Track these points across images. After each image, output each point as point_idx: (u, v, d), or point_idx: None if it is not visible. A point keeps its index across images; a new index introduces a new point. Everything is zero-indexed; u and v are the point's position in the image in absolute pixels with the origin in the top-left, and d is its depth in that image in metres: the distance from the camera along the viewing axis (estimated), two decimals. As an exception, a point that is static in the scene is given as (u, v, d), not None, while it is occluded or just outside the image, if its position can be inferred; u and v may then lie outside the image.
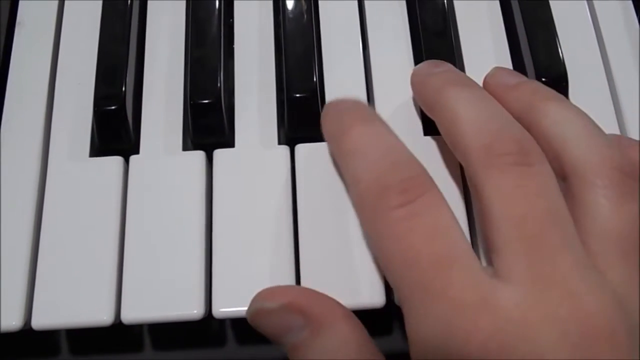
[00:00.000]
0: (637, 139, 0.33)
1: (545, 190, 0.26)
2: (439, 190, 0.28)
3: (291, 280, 0.30)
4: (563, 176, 0.28)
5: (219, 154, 0.33)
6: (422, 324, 0.25)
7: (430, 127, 0.34)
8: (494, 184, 0.27)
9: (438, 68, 0.33)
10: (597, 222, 0.27)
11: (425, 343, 0.25)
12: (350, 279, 0.30)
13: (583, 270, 0.25)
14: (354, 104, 0.32)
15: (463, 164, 0.29)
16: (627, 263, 0.26)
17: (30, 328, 0.30)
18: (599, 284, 0.25)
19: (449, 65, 0.33)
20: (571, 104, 0.31)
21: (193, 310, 0.30)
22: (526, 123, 0.29)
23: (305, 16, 0.36)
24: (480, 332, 0.24)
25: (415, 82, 0.33)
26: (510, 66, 0.36)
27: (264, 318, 0.28)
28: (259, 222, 0.32)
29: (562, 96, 0.31)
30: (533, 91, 0.31)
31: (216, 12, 0.36)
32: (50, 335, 0.34)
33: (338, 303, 0.28)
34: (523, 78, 0.32)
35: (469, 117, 0.28)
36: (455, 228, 0.27)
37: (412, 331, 0.26)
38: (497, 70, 0.33)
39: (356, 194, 0.29)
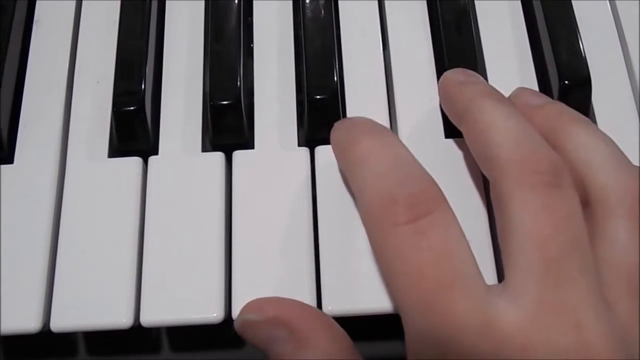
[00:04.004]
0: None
1: (572, 216, 0.26)
2: (448, 206, 0.27)
3: (311, 285, 0.30)
4: (584, 201, 0.28)
5: (238, 155, 0.33)
6: (421, 342, 0.25)
7: (451, 130, 0.34)
8: (523, 200, 0.26)
9: (472, 77, 0.32)
10: (613, 253, 0.27)
11: None
12: (370, 282, 0.30)
13: (593, 301, 0.25)
14: (363, 118, 0.32)
15: (489, 175, 0.28)
16: (636, 298, 0.26)
17: (49, 330, 0.30)
18: (606, 317, 0.25)
19: (481, 77, 0.33)
20: (597, 128, 0.30)
21: (213, 313, 0.30)
22: (550, 145, 0.28)
23: (325, 16, 0.35)
24: (479, 356, 0.24)
25: (445, 88, 0.33)
26: (533, 70, 0.36)
27: (250, 330, 0.29)
28: (279, 225, 0.31)
29: (587, 119, 0.31)
30: (559, 113, 0.31)
31: (235, 11, 0.35)
32: (68, 336, 0.34)
33: (323, 316, 0.28)
34: (548, 99, 0.32)
35: (504, 128, 0.28)
36: (462, 248, 0.26)
37: (411, 347, 0.26)
38: (521, 90, 0.33)
39: (363, 205, 0.29)
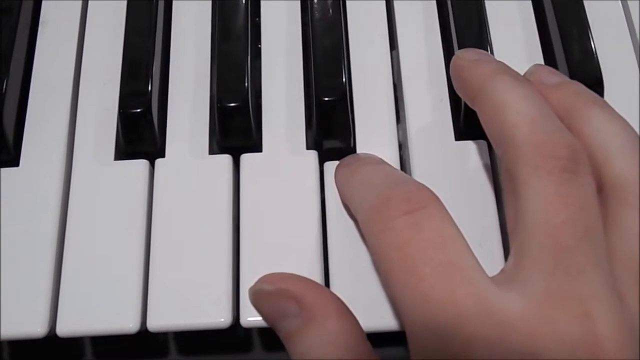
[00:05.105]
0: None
1: (587, 204, 0.25)
2: (442, 204, 0.27)
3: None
4: (599, 187, 0.27)
5: (245, 158, 0.33)
6: (423, 333, 0.25)
7: (461, 132, 0.33)
8: (538, 185, 0.25)
9: (485, 56, 0.32)
10: (625, 244, 0.26)
11: (427, 354, 0.25)
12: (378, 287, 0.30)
13: (604, 293, 0.24)
14: (365, 153, 0.33)
15: (503, 156, 0.28)
16: None
17: (55, 334, 0.30)
18: (616, 309, 0.24)
19: (493, 57, 0.32)
20: (614, 111, 0.29)
21: (220, 318, 0.30)
22: (566, 126, 0.28)
23: (334, 16, 0.35)
24: (482, 341, 0.24)
25: (459, 66, 0.32)
26: (544, 68, 0.35)
27: (261, 300, 0.29)
28: (287, 229, 0.31)
29: (605, 101, 0.30)
30: (576, 94, 0.30)
31: (243, 11, 0.35)
32: (74, 341, 0.34)
33: (335, 298, 0.28)
34: (565, 78, 0.31)
35: (522, 109, 0.27)
36: (458, 239, 0.26)
37: (413, 343, 0.26)
38: (538, 67, 0.32)
39: (361, 214, 0.29)
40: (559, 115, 0.28)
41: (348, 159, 0.32)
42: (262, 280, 0.29)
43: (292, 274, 0.29)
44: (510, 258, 0.27)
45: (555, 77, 0.31)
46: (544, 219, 0.25)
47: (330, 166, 0.33)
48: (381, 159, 0.32)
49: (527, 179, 0.26)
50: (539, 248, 0.25)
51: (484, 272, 0.26)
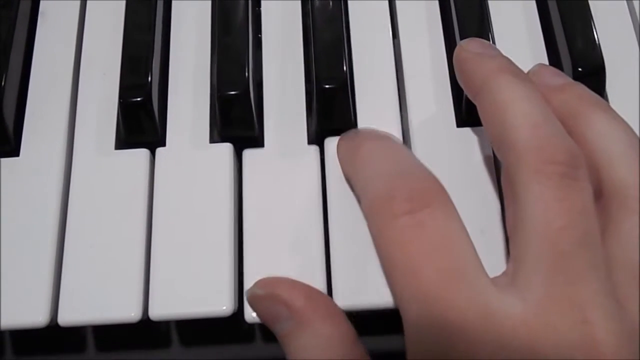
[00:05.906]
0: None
1: (585, 210, 0.25)
2: (448, 200, 0.27)
3: (322, 280, 0.30)
4: (599, 192, 0.27)
5: (247, 153, 0.33)
6: (421, 333, 0.25)
7: (463, 119, 0.33)
8: (537, 190, 0.25)
9: (491, 50, 0.31)
10: (626, 251, 0.26)
11: (425, 354, 0.25)
12: (381, 277, 0.29)
13: (602, 299, 0.24)
14: (367, 128, 0.33)
15: (503, 158, 0.28)
16: None
17: (57, 324, 0.30)
18: (615, 315, 0.24)
19: (498, 49, 0.32)
20: (617, 115, 0.29)
21: (222, 306, 0.29)
22: (568, 129, 0.28)
23: (334, 5, 0.35)
24: (481, 345, 0.24)
25: (462, 59, 0.31)
26: (545, 56, 0.35)
27: (256, 303, 0.29)
28: (289, 220, 0.31)
29: (607, 105, 0.30)
30: (579, 96, 0.30)
31: (243, 1, 0.35)
32: (76, 331, 0.34)
33: (326, 301, 0.28)
34: (568, 79, 0.31)
35: (524, 111, 0.27)
36: (463, 240, 0.26)
37: (410, 342, 0.25)
38: (541, 68, 0.32)
39: (365, 203, 0.29)
40: (561, 118, 0.28)
41: (350, 132, 0.32)
42: (256, 284, 0.29)
43: (285, 278, 0.29)
44: (510, 262, 0.27)
45: (559, 79, 0.31)
46: (543, 224, 0.25)
47: (331, 141, 0.32)
48: (385, 134, 0.32)
49: (527, 183, 0.26)
50: (537, 253, 0.25)
51: (485, 273, 0.26)
